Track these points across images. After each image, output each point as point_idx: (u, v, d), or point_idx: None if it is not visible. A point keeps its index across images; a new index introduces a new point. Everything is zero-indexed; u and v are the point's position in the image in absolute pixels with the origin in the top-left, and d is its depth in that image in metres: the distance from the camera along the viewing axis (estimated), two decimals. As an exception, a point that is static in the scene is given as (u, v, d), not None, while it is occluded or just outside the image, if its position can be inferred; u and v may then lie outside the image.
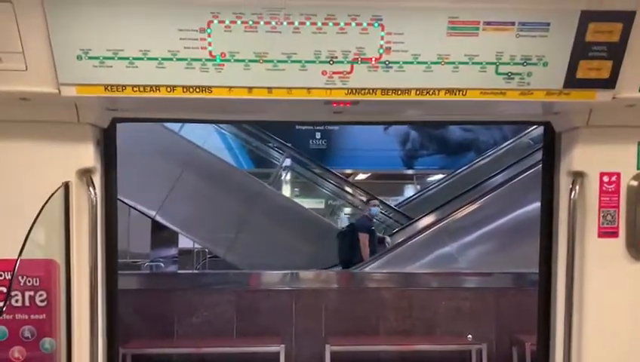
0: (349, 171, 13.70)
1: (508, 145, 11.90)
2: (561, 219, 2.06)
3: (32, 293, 1.99)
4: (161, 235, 8.50)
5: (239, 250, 7.77)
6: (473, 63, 1.72)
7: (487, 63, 1.72)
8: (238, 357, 5.96)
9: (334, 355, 5.79)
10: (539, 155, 8.91)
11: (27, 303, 1.98)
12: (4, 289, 1.92)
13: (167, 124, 8.50)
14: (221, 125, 10.85)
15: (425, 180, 14.25)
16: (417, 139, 14.08)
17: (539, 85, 1.75)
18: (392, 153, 13.93)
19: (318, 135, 13.42)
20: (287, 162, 10.74)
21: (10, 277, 1.91)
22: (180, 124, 9.28)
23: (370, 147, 13.51)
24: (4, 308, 1.86)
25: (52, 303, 1.99)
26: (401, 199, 13.01)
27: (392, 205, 11.10)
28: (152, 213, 7.59)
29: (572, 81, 1.74)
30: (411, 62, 1.71)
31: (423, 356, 6.15)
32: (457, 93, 1.76)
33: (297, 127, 13.16)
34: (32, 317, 1.99)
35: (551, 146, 2.14)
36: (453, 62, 1.72)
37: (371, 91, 1.75)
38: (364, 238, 7.88)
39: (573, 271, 2.00)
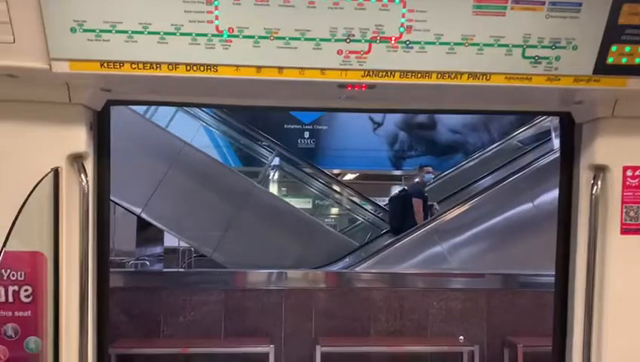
0: (336, 171, 13.62)
1: (496, 147, 11.91)
2: (581, 215, 1.96)
3: (16, 288, 1.83)
4: (147, 233, 8.30)
5: (227, 249, 7.61)
6: (499, 45, 1.61)
7: (514, 46, 1.61)
8: (226, 357, 5.81)
9: (325, 356, 5.68)
10: (528, 158, 8.97)
11: (11, 299, 1.83)
12: (-15, 284, 1.77)
13: (155, 119, 8.34)
14: (208, 121, 10.69)
15: (412, 181, 14.22)
16: (406, 140, 14.05)
17: (567, 71, 1.65)
18: (380, 153, 13.87)
19: (306, 134, 13.31)
20: (276, 161, 10.60)
21: (-8, 270, 1.76)
22: (167, 120, 9.13)
23: (358, 147, 13.44)
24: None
25: (38, 299, 1.84)
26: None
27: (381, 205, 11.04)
28: (138, 210, 7.40)
29: (602, 67, 1.64)
30: (433, 43, 1.60)
31: (415, 357, 6.07)
32: (481, 77, 1.65)
33: (286, 125, 13.05)
34: (17, 314, 1.83)
35: (570, 139, 2.04)
36: (478, 44, 1.61)
37: (389, 73, 1.63)
38: (418, 204, 7.96)
39: (594, 270, 1.89)
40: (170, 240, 8.58)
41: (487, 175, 9.62)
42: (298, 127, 13.21)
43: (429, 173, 8.81)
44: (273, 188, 11.03)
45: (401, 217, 8.13)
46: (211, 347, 5.75)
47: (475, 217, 7.50)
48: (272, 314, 6.06)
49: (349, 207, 11.33)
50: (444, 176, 11.65)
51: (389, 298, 6.28)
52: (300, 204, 10.89)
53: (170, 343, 5.80)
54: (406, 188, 8.81)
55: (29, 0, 1.50)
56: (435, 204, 8.73)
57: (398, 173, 14.39)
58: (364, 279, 6.63)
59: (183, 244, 8.35)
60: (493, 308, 6.29)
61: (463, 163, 11.94)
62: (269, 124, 11.79)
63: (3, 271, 1.79)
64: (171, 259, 8.63)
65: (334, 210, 12.43)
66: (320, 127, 13.45)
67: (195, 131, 10.36)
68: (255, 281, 6.37)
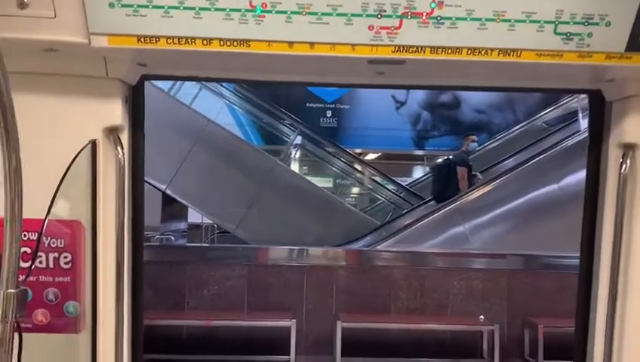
0: (358, 151, 13.61)
1: (520, 127, 11.78)
2: (609, 193, 1.95)
3: (56, 255, 1.91)
4: (171, 209, 8.47)
5: (250, 226, 7.72)
6: (530, 22, 1.60)
7: (546, 22, 1.61)
8: (249, 331, 5.96)
9: (345, 332, 5.78)
10: (553, 139, 8.84)
11: (51, 265, 1.91)
12: (29, 250, 1.85)
13: (179, 97, 8.43)
14: (232, 99, 10.76)
15: (435, 161, 14.16)
16: (429, 119, 13.93)
17: (599, 47, 1.63)
18: (403, 133, 13.79)
19: (329, 113, 13.29)
20: (298, 140, 10.64)
21: (34, 237, 1.84)
22: (191, 98, 9.21)
23: (381, 126, 13.38)
24: (32, 268, 1.79)
25: (77, 265, 1.92)
26: (409, 180, 12.94)
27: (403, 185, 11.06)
28: (163, 187, 7.53)
29: (635, 44, 1.62)
30: (465, 19, 1.60)
31: (435, 335, 6.14)
32: (511, 54, 1.65)
33: (308, 104, 13.04)
34: (57, 279, 1.92)
35: (599, 117, 2.03)
36: (509, 20, 1.60)
37: (420, 49, 1.64)
38: (462, 172, 8.13)
39: (620, 249, 1.89)
40: (194, 217, 8.75)
41: (511, 156, 9.53)
42: (320, 105, 13.19)
43: (473, 141, 8.83)
44: (295, 167, 11.10)
45: (444, 185, 8.24)
46: (235, 320, 5.89)
47: (499, 198, 7.48)
48: (294, 290, 6.17)
49: (370, 187, 11.36)
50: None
51: (409, 276, 6.34)
52: (321, 182, 10.96)
53: (195, 315, 5.96)
54: (450, 156, 8.83)
55: None
56: (478, 173, 8.75)
57: (420, 153, 14.33)
58: (384, 257, 6.70)
59: (206, 221, 8.51)
60: (514, 288, 6.31)
61: (486, 143, 11.82)
62: (292, 102, 11.81)
63: (44, 238, 1.87)
64: (195, 235, 8.81)
65: (356, 189, 12.47)
66: (342, 106, 13.41)
67: (218, 109, 10.44)
68: (277, 257, 6.48)
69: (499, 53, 1.64)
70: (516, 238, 7.08)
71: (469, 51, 1.64)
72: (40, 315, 1.93)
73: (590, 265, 2.06)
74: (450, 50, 1.64)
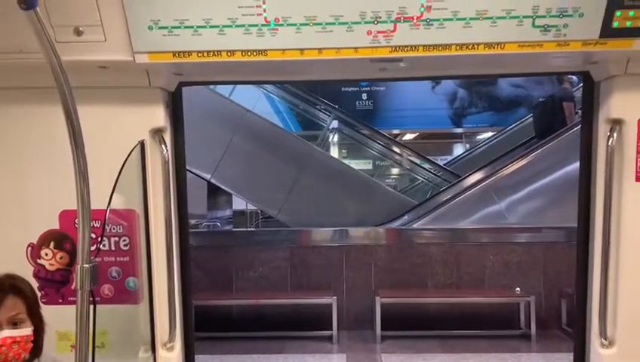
0: (396, 131, 13.71)
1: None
2: (599, 165, 2.14)
3: (117, 239, 2.28)
4: (217, 197, 8.91)
5: (291, 210, 8.03)
6: (510, 17, 1.81)
7: (524, 17, 1.81)
8: (293, 308, 6.32)
9: (385, 307, 6.05)
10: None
11: (113, 247, 2.28)
12: (94, 236, 2.21)
13: (218, 90, 8.80)
14: (269, 89, 11.08)
15: (474, 138, 14.11)
16: (466, 97, 13.87)
17: (575, 36, 1.82)
18: (439, 112, 13.80)
19: (364, 96, 13.44)
20: (335, 124, 10.86)
21: (98, 225, 2.20)
22: (229, 90, 9.58)
23: (417, 106, 13.44)
24: (99, 249, 2.15)
25: (134, 247, 2.27)
26: (450, 158, 12.98)
27: (441, 164, 11.14)
28: (207, 176, 7.91)
29: (608, 31, 1.80)
30: (451, 19, 1.82)
31: (472, 309, 6.33)
32: (495, 47, 1.86)
33: (343, 88, 13.23)
34: (118, 259, 2.28)
35: (590, 95, 2.21)
36: (491, 17, 1.82)
37: (413, 48, 1.88)
38: (570, 107, 8.04)
39: (610, 217, 2.08)
40: (239, 204, 9.16)
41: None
42: (355, 89, 13.35)
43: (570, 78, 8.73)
44: (333, 151, 11.34)
45: (549, 121, 8.13)
46: (279, 299, 6.26)
47: (535, 172, 7.48)
48: (335, 269, 6.48)
49: (408, 167, 11.48)
50: (508, 131, 11.51)
51: (446, 253, 6.53)
52: (359, 165, 11.17)
53: (243, 295, 6.36)
54: (552, 94, 8.59)
55: (115, 6, 1.87)
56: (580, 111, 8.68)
57: (459, 130, 14.30)
58: (421, 235, 6.88)
59: (250, 207, 8.91)
60: (550, 260, 6.40)
61: (525, 118, 11.71)
62: (327, 88, 12.03)
63: (106, 225, 2.23)
64: (240, 221, 9.24)
65: (394, 171, 12.62)
66: (378, 88, 13.52)
67: (256, 99, 10.79)
68: (317, 239, 6.79)
69: (484, 47, 1.86)
70: (554, 212, 7.09)
71: (457, 47, 1.86)
72: (106, 290, 2.30)
73: (587, 232, 2.26)
74: (440, 47, 1.87)
